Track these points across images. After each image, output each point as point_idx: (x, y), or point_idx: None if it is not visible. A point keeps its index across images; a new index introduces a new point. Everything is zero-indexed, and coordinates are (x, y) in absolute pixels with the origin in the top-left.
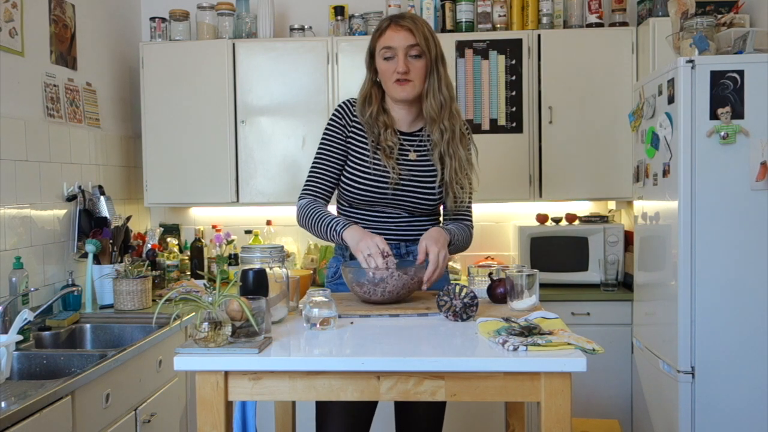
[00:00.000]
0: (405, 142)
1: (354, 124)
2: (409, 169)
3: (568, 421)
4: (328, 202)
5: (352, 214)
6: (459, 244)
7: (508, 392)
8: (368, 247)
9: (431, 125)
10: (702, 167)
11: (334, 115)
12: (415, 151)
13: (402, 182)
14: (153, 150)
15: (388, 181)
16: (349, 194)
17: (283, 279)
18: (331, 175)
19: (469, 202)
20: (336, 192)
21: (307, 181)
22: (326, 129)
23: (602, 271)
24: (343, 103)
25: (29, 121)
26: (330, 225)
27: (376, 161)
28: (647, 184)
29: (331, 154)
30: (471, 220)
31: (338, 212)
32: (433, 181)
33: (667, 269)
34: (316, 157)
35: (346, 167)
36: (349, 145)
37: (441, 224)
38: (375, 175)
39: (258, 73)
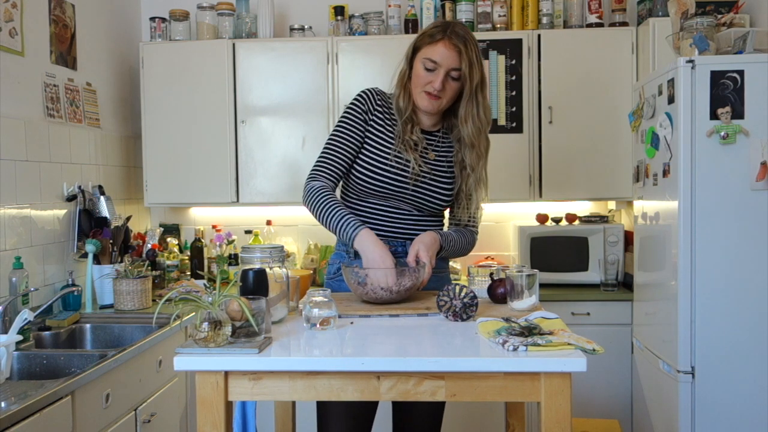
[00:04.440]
0: (425, 141)
1: (377, 112)
2: (429, 168)
3: (568, 421)
4: (337, 185)
5: (359, 206)
6: (455, 249)
7: (508, 392)
8: (378, 282)
9: (467, 149)
10: (702, 167)
11: (356, 99)
12: (433, 150)
13: (420, 179)
14: (153, 150)
15: (408, 174)
16: (363, 184)
17: (283, 279)
18: (346, 158)
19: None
20: (342, 185)
21: (320, 160)
22: (346, 111)
23: (602, 271)
24: (369, 90)
25: (29, 121)
26: (341, 224)
27: (398, 153)
28: (647, 184)
29: (348, 137)
30: (476, 225)
31: (343, 203)
32: (448, 183)
33: (667, 269)
34: (331, 138)
35: (362, 156)
36: (368, 133)
37: (443, 228)
38: (396, 167)
39: (258, 73)
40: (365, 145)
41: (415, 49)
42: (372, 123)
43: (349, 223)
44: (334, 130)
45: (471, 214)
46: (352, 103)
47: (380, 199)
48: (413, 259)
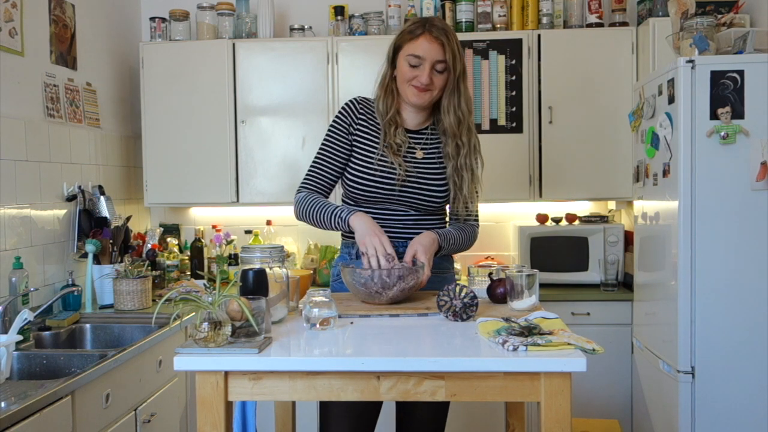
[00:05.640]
0: (411, 140)
1: (360, 121)
2: (416, 168)
3: (568, 421)
4: (327, 197)
5: None
6: (455, 247)
7: (508, 392)
8: (373, 246)
9: (449, 139)
10: (702, 167)
11: (339, 112)
12: (422, 149)
13: (409, 180)
14: (153, 150)
15: (394, 178)
16: (354, 191)
17: (283, 279)
18: (332, 170)
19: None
20: (342, 191)
21: (306, 175)
22: (330, 125)
23: (602, 271)
24: (351, 100)
25: (29, 121)
26: (335, 212)
27: (383, 158)
28: (647, 184)
29: (332, 149)
30: (477, 219)
31: None
32: (440, 180)
33: (667, 269)
34: (317, 153)
35: (351, 165)
36: (354, 142)
37: (446, 225)
38: (382, 171)
39: (258, 73)
40: (353, 155)
41: (396, 48)
42: (356, 133)
43: (342, 210)
44: (320, 145)
45: (466, 207)
46: (336, 117)
47: (374, 203)
48: (410, 259)
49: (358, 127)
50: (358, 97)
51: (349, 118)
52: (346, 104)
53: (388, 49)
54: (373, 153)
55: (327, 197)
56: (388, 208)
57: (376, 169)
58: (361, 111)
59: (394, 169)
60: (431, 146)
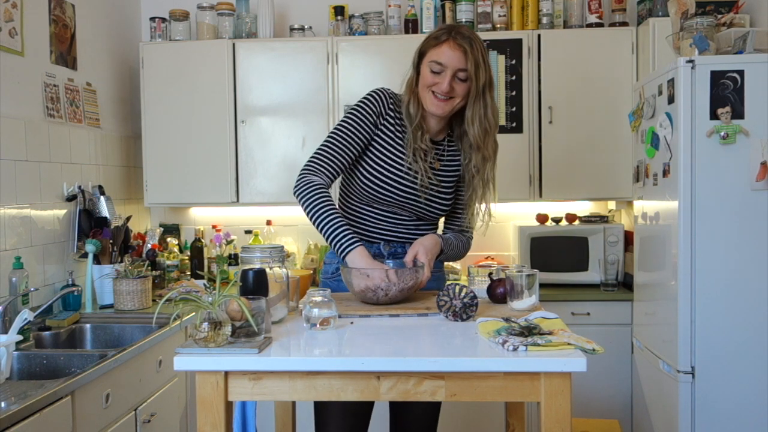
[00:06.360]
0: (433, 150)
1: (388, 116)
2: (432, 177)
3: (568, 421)
4: (333, 183)
5: (359, 210)
6: (452, 253)
7: (508, 392)
8: (373, 289)
9: (473, 152)
10: (702, 167)
11: (369, 97)
12: (438, 160)
13: (424, 189)
14: (153, 150)
15: (416, 184)
16: (368, 190)
17: (283, 279)
18: (346, 156)
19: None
20: (341, 181)
21: (319, 153)
22: (357, 109)
23: (602, 271)
24: (382, 90)
25: (29, 121)
26: (336, 235)
27: (407, 162)
28: (647, 184)
29: (353, 134)
30: (472, 231)
31: (341, 205)
32: (449, 192)
33: (667, 269)
34: (336, 133)
35: (368, 160)
36: (375, 137)
37: (441, 231)
38: (405, 177)
39: (258, 73)
40: (371, 149)
41: (421, 54)
42: (382, 127)
43: (345, 236)
44: (340, 125)
45: (474, 218)
46: (364, 102)
47: (382, 205)
48: (411, 259)
49: (386, 121)
50: (388, 89)
51: (378, 107)
52: (377, 92)
53: (414, 54)
54: (396, 154)
55: (333, 182)
56: (393, 212)
57: (398, 173)
58: (391, 104)
59: (416, 175)
60: (447, 158)
